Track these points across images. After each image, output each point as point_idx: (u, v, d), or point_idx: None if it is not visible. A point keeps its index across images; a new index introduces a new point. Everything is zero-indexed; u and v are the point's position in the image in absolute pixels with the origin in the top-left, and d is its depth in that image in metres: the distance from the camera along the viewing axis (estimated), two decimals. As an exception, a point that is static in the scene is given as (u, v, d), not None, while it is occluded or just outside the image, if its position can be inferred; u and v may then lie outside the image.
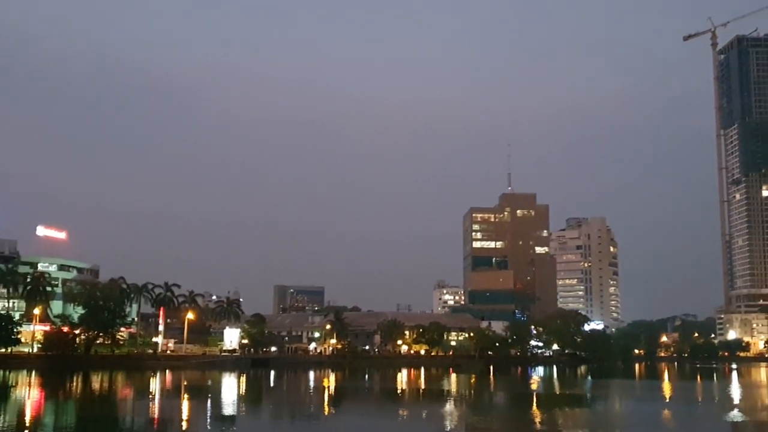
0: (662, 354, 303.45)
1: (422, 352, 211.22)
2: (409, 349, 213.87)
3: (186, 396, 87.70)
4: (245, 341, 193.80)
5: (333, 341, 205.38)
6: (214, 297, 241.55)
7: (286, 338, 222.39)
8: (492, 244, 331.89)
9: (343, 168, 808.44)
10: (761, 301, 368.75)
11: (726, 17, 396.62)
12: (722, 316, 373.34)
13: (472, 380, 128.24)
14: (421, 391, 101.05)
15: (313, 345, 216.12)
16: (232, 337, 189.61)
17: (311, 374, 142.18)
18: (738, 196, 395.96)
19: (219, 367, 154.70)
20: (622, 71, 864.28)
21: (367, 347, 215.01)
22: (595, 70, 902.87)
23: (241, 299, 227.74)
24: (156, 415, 64.27)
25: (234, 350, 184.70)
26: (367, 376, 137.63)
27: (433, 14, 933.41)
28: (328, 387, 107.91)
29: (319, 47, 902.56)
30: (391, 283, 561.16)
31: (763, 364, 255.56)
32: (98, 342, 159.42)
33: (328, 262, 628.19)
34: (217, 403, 76.16)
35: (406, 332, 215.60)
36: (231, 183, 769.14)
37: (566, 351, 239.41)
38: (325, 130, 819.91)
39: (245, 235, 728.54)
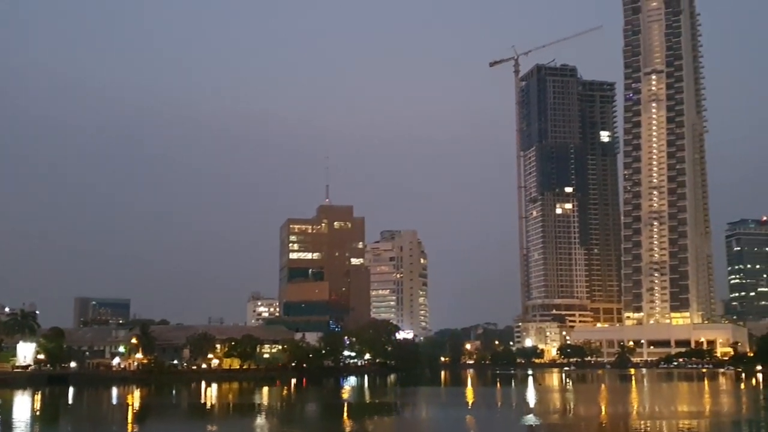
0: (466, 361, 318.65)
1: (235, 366, 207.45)
2: (220, 363, 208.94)
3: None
4: (41, 356, 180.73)
5: (139, 356, 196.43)
6: (6, 309, 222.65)
7: (88, 353, 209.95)
8: (309, 256, 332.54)
9: (151, 177, 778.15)
10: (554, 311, 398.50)
11: (528, 46, 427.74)
12: (520, 324, 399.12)
13: (285, 393, 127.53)
14: (231, 405, 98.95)
15: (116, 360, 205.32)
16: (26, 352, 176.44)
17: (114, 391, 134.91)
18: (535, 213, 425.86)
19: (11, 385, 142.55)
20: (437, 91, 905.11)
21: (175, 362, 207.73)
22: (411, 88, 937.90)
23: (37, 312, 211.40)
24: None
25: (28, 366, 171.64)
26: (174, 392, 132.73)
27: (243, 19, 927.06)
28: (132, 404, 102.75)
29: (125, 52, 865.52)
30: (203, 295, 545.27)
31: (555, 369, 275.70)
32: None
33: (135, 274, 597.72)
34: (8, 425, 69.98)
35: (218, 346, 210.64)
36: (25, 189, 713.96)
37: (377, 360, 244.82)
38: (130, 139, 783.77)
39: (43, 245, 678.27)
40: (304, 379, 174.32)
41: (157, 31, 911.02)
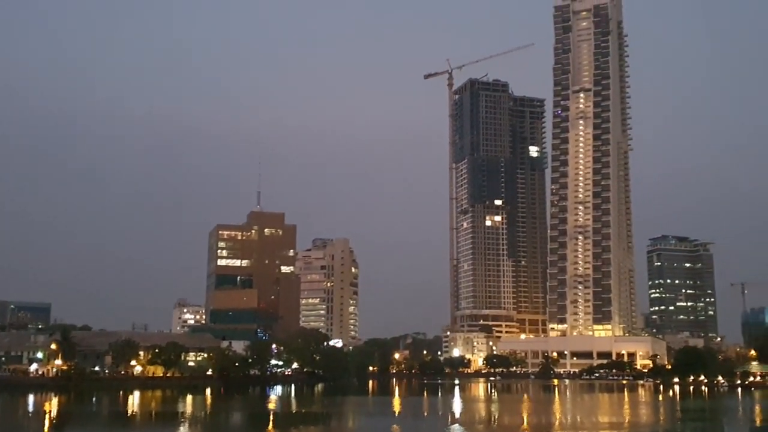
0: (394, 370, 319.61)
1: (158, 373, 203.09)
2: (143, 371, 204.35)
3: None
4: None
5: (58, 362, 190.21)
6: None
7: (4, 358, 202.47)
8: (237, 263, 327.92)
9: (76, 179, 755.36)
10: (482, 321, 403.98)
11: (462, 60, 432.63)
12: (448, 334, 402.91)
13: (209, 401, 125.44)
14: (153, 414, 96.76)
15: (34, 366, 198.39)
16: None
17: (31, 398, 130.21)
18: (465, 225, 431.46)
19: None
20: (373, 101, 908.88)
21: (97, 368, 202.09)
22: (347, 97, 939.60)
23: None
24: None
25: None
26: (95, 400, 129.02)
27: (179, 18, 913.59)
28: (50, 412, 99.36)
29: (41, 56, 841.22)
30: (127, 301, 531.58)
31: (482, 379, 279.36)
32: None
33: (56, 277, 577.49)
34: None
35: (141, 353, 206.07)
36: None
37: (305, 369, 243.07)
38: (61, 139, 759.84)
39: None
40: (229, 388, 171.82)
41: (69, 31, 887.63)
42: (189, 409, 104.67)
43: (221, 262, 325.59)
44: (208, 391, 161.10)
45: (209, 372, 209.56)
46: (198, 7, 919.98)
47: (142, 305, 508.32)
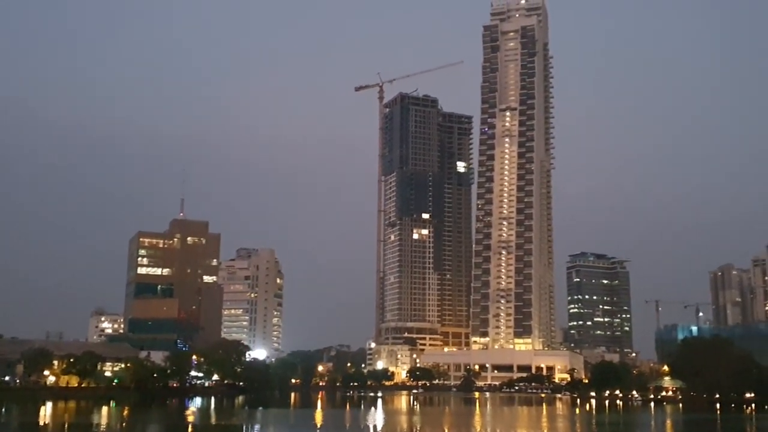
0: (318, 383, 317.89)
1: (73, 383, 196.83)
2: (57, 381, 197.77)
3: None
4: None
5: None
6: None
7: None
8: (158, 271, 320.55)
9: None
10: (406, 334, 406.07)
11: (393, 74, 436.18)
12: (372, 347, 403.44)
13: (125, 413, 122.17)
14: (66, 425, 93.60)
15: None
16: None
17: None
18: (393, 237, 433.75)
19: None
20: (304, 111, 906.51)
21: (7, 378, 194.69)
22: (277, 107, 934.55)
23: None
24: None
25: None
26: (4, 411, 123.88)
27: (108, 25, 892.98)
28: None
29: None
30: (41, 308, 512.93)
31: (405, 392, 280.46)
32: None
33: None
34: None
35: (56, 362, 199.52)
36: None
37: (226, 381, 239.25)
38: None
39: None
40: (147, 400, 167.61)
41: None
42: (104, 420, 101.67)
43: (141, 271, 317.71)
44: (135, 401, 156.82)
45: (127, 383, 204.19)
46: (119, 15, 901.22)
47: (58, 313, 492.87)
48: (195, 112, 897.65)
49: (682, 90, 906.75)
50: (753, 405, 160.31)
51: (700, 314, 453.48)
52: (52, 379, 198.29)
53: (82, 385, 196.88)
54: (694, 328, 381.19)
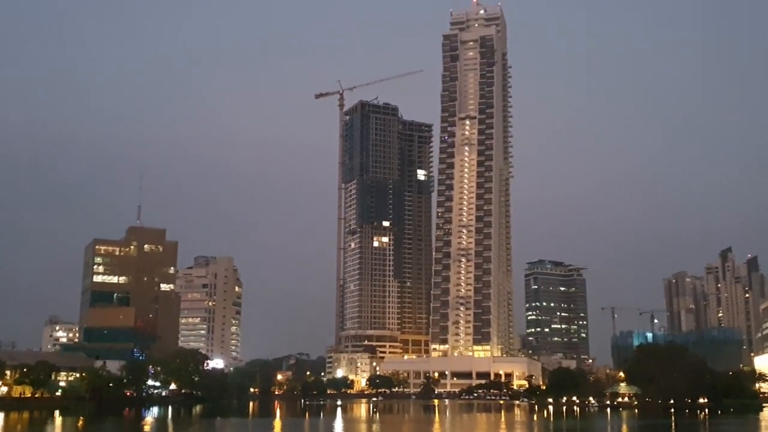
0: (277, 391, 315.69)
1: (26, 394, 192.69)
2: (9, 391, 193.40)
3: None
4: None
5: None
6: None
7: None
8: (115, 279, 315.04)
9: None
10: (366, 342, 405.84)
11: (354, 82, 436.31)
12: (332, 355, 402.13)
13: (80, 423, 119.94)
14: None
15: None
16: None
17: None
18: (353, 245, 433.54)
19: None
20: (263, 117, 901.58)
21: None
22: (237, 113, 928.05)
23: None
24: None
25: None
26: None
27: (43, 26, 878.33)
28: None
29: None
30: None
31: (364, 400, 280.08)
32: None
33: None
34: None
35: (8, 372, 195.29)
36: None
37: (183, 391, 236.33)
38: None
39: None
40: (103, 410, 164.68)
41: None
42: (58, 431, 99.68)
43: (97, 279, 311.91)
44: (80, 412, 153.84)
45: (82, 393, 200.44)
46: (80, 18, 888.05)
47: (10, 322, 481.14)
48: (151, 117, 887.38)
49: (638, 102, 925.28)
50: (706, 410, 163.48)
51: (655, 321, 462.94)
52: (4, 389, 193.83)
53: (36, 396, 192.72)
54: (650, 335, 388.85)
